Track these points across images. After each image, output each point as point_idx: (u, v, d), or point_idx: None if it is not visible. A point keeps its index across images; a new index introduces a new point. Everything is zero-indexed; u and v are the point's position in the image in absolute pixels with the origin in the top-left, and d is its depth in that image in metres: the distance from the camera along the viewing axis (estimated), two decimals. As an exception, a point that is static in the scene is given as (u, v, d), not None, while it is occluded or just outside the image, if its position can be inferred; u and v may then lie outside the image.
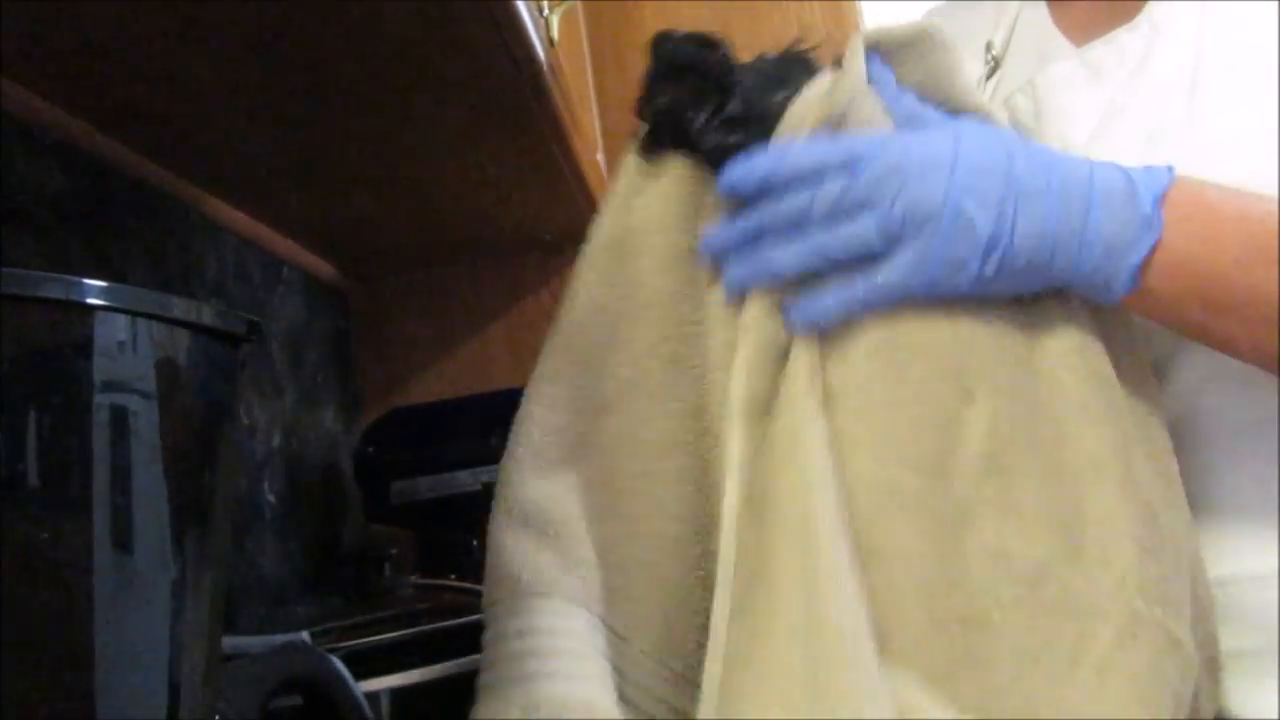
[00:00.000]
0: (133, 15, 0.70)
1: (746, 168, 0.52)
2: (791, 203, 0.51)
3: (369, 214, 1.23)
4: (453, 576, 1.11)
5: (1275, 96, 0.57)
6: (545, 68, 0.90)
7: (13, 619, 0.34)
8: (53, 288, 0.35)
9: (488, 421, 1.22)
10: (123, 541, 0.37)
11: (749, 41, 1.66)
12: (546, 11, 0.95)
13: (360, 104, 0.90)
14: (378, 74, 0.85)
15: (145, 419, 0.38)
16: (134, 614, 0.38)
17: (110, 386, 0.37)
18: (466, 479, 1.20)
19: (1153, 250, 0.49)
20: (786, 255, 0.51)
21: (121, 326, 0.37)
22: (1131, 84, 0.63)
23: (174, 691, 0.39)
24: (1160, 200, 0.50)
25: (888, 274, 0.49)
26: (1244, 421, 0.57)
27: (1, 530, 0.34)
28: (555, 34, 0.97)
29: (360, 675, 0.58)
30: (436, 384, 1.47)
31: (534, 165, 1.13)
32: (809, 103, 0.54)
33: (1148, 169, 0.51)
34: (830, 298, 0.50)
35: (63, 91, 0.80)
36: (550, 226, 1.40)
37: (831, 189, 0.50)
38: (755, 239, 0.52)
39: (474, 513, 1.23)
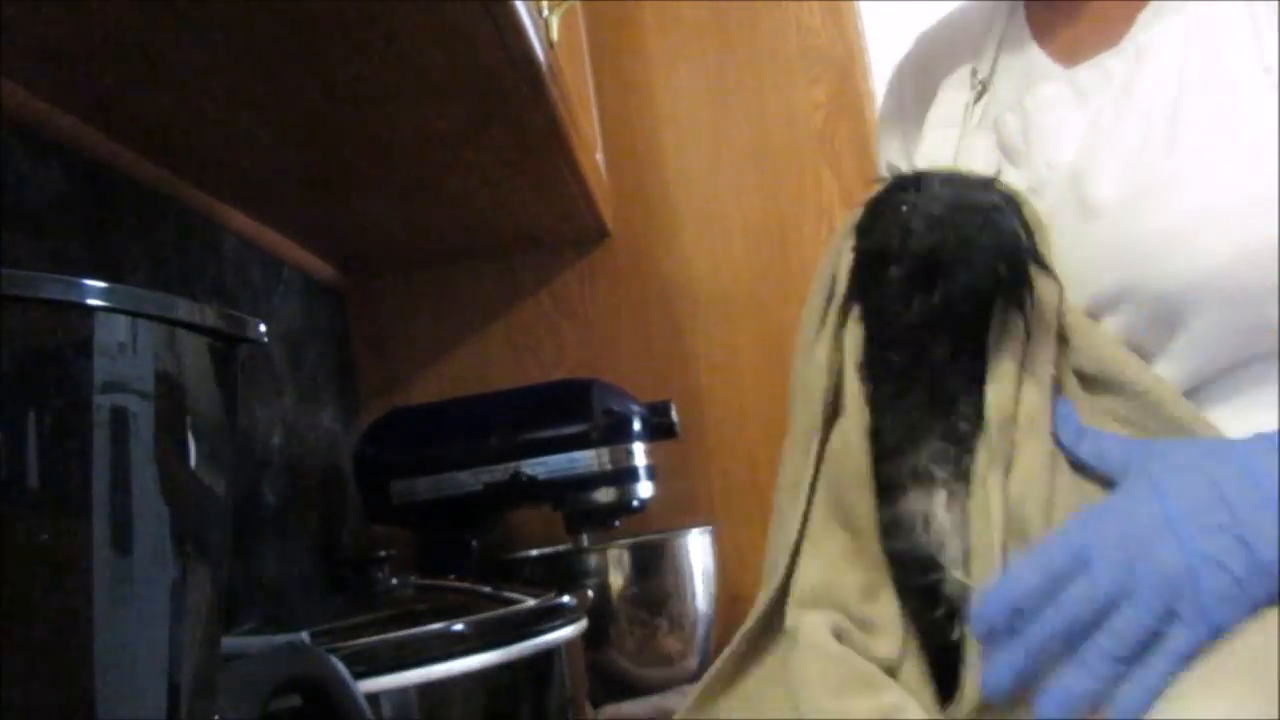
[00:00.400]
0: (132, 16, 0.70)
1: (991, 607, 0.52)
2: (1051, 625, 0.50)
3: (369, 215, 1.23)
4: (452, 577, 1.11)
5: (1253, 121, 0.58)
6: (545, 69, 0.90)
7: (12, 620, 0.34)
8: (52, 288, 0.35)
9: (487, 422, 1.22)
10: (122, 542, 0.37)
11: (748, 42, 1.67)
12: (546, 12, 0.95)
13: (360, 105, 0.91)
14: (377, 75, 0.85)
15: (145, 420, 0.38)
16: (133, 615, 0.38)
17: (110, 387, 0.37)
18: (466, 479, 1.20)
19: None
20: (1083, 678, 0.50)
21: (121, 327, 0.37)
22: (1116, 106, 0.64)
23: (173, 692, 0.39)
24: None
25: (1179, 644, 0.49)
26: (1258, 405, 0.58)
27: (1, 531, 0.34)
28: (554, 35, 0.97)
29: (360, 676, 0.58)
30: (436, 384, 1.47)
31: (533, 166, 1.13)
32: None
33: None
34: (1139, 687, 0.50)
35: (63, 92, 0.80)
36: (549, 227, 1.40)
37: (1080, 597, 0.50)
38: (1030, 668, 0.51)
39: (474, 513, 1.24)
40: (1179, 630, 0.49)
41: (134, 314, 0.37)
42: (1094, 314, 0.62)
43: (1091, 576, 0.50)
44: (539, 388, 1.37)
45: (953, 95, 0.77)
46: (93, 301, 0.36)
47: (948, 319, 0.54)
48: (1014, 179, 0.66)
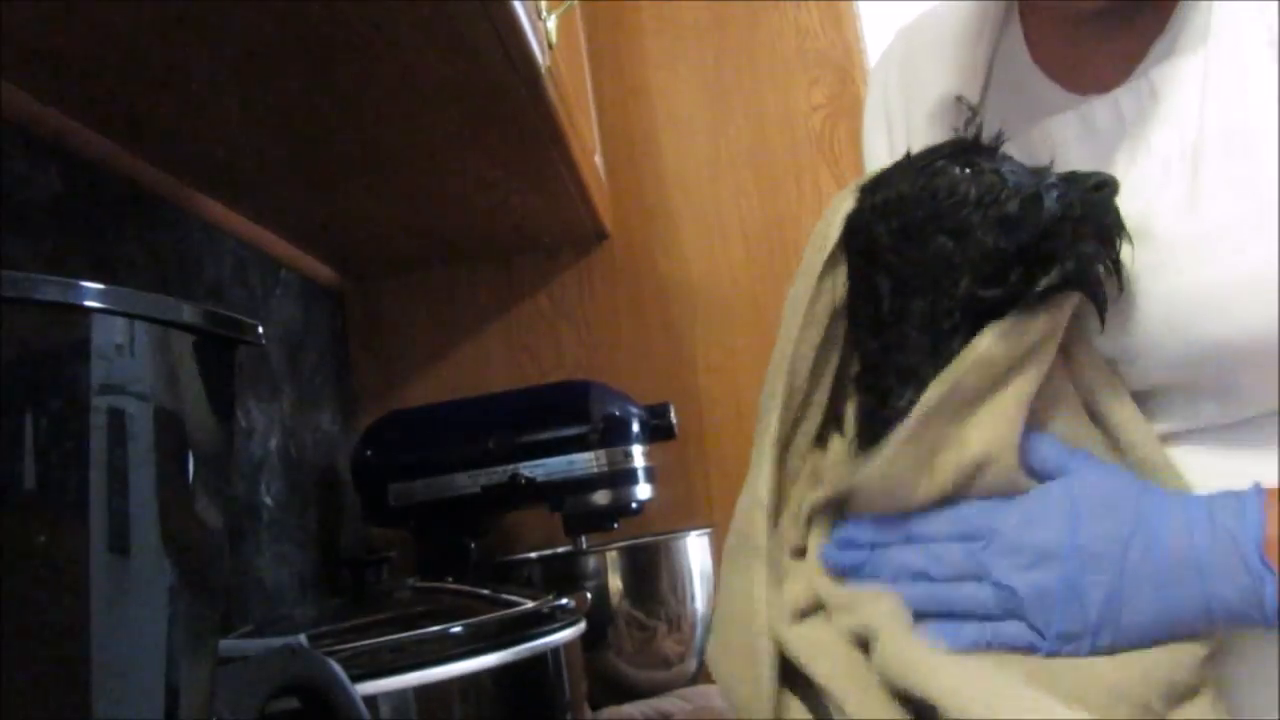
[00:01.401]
0: (130, 18, 0.70)
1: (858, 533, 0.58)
2: (918, 557, 0.56)
3: (367, 216, 1.23)
4: (451, 579, 1.11)
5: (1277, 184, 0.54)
6: (543, 70, 0.90)
7: (9, 622, 0.34)
8: (50, 290, 0.35)
9: (486, 424, 1.22)
10: (119, 544, 0.37)
11: (747, 44, 1.67)
12: (544, 14, 0.95)
13: (358, 106, 0.90)
14: (376, 77, 0.85)
15: (142, 421, 0.38)
16: (131, 617, 0.37)
17: (107, 389, 0.36)
18: (464, 481, 1.20)
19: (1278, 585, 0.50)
20: (911, 594, 0.56)
21: (119, 329, 0.37)
22: (1130, 152, 0.61)
23: (171, 694, 0.39)
24: (1261, 546, 0.50)
25: (1005, 632, 0.53)
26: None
27: (-2, 533, 0.34)
28: (553, 37, 0.97)
29: (358, 678, 0.58)
30: (434, 386, 1.47)
31: (532, 167, 1.13)
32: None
33: (1238, 512, 0.52)
34: (958, 633, 0.54)
35: (61, 94, 0.80)
36: (548, 228, 1.40)
37: (955, 551, 0.55)
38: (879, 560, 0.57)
39: (472, 515, 1.24)
40: (1011, 624, 0.53)
41: (131, 316, 0.37)
42: (1109, 366, 0.60)
43: (972, 546, 0.54)
44: (537, 390, 1.37)
45: (937, 130, 0.72)
46: (90, 303, 0.36)
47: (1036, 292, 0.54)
48: None
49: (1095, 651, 0.52)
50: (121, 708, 0.37)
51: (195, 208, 1.04)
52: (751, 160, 1.52)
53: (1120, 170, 0.60)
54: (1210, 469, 0.57)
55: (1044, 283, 0.53)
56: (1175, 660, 0.51)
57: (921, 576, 0.55)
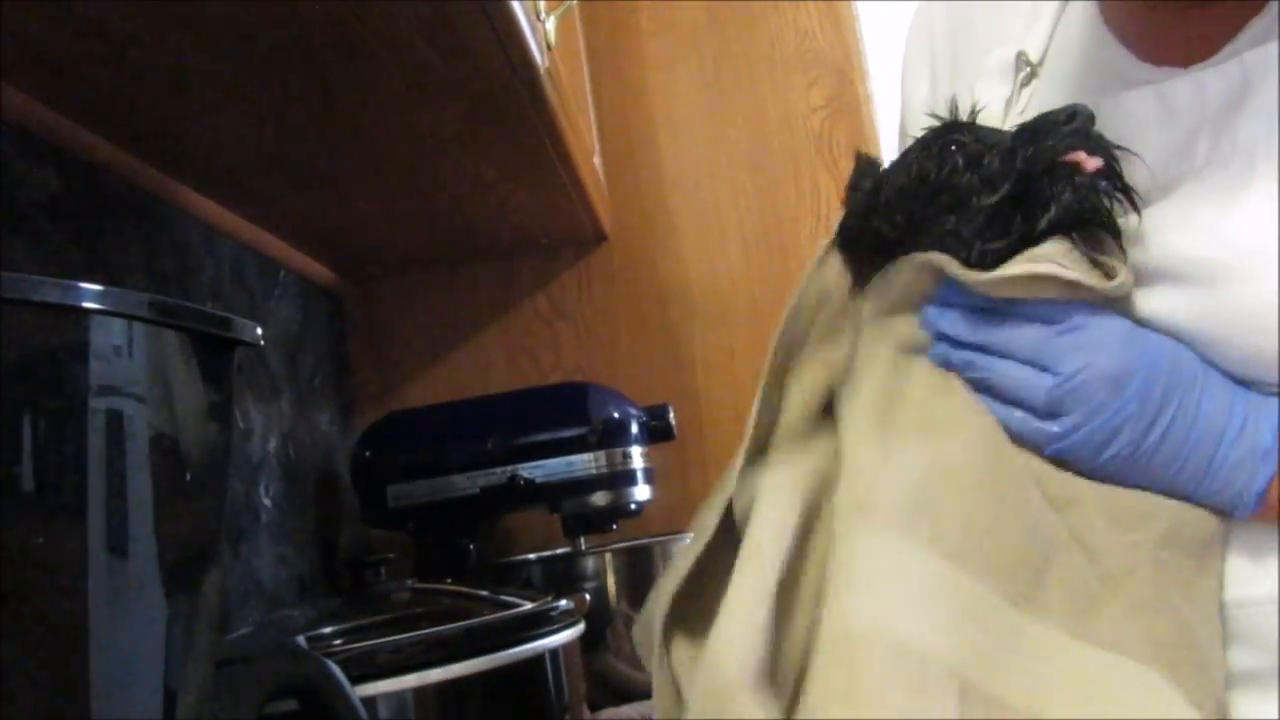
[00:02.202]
0: (129, 19, 0.70)
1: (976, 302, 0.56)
2: (997, 334, 0.55)
3: (366, 217, 1.23)
4: (449, 581, 1.11)
5: None
6: (542, 71, 0.90)
7: (8, 622, 0.34)
8: (48, 291, 0.35)
9: (485, 425, 1.22)
10: (118, 545, 0.37)
11: (746, 44, 1.67)
12: (543, 15, 0.95)
13: (357, 108, 0.90)
14: (375, 78, 0.85)
15: (140, 423, 0.38)
16: (129, 618, 0.37)
17: (106, 390, 0.36)
18: (463, 483, 1.20)
19: (1270, 479, 0.52)
20: (972, 365, 0.56)
21: (117, 330, 0.37)
22: (1213, 139, 0.56)
23: (169, 696, 0.39)
24: (1276, 431, 0.52)
25: (1050, 427, 0.53)
26: None
27: (-4, 535, 0.34)
28: (552, 38, 0.97)
29: (357, 680, 0.58)
30: (433, 387, 1.47)
31: (531, 168, 1.13)
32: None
33: (1266, 399, 0.53)
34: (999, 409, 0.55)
35: (59, 95, 0.80)
36: (547, 229, 1.40)
37: (1032, 337, 0.54)
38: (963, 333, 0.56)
39: (471, 516, 1.23)
40: (1060, 419, 0.53)
41: (130, 317, 0.37)
42: None
43: (1051, 334, 0.54)
44: (536, 391, 1.37)
45: (995, 87, 0.67)
46: (88, 305, 0.36)
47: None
48: None
49: (1106, 466, 0.53)
50: (120, 708, 0.37)
51: (194, 209, 1.04)
52: (750, 161, 1.52)
53: (1199, 162, 0.57)
54: None
55: (1045, 220, 0.54)
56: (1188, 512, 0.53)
57: (982, 349, 0.55)
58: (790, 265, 1.48)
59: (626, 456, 1.20)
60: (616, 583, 1.20)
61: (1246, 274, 0.53)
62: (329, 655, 0.58)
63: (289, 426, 1.21)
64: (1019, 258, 0.53)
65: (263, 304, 1.20)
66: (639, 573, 1.21)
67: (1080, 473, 0.54)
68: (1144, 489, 0.54)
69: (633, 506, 1.21)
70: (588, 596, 0.90)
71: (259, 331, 0.44)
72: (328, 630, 0.75)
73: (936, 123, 0.59)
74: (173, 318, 0.39)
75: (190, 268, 1.03)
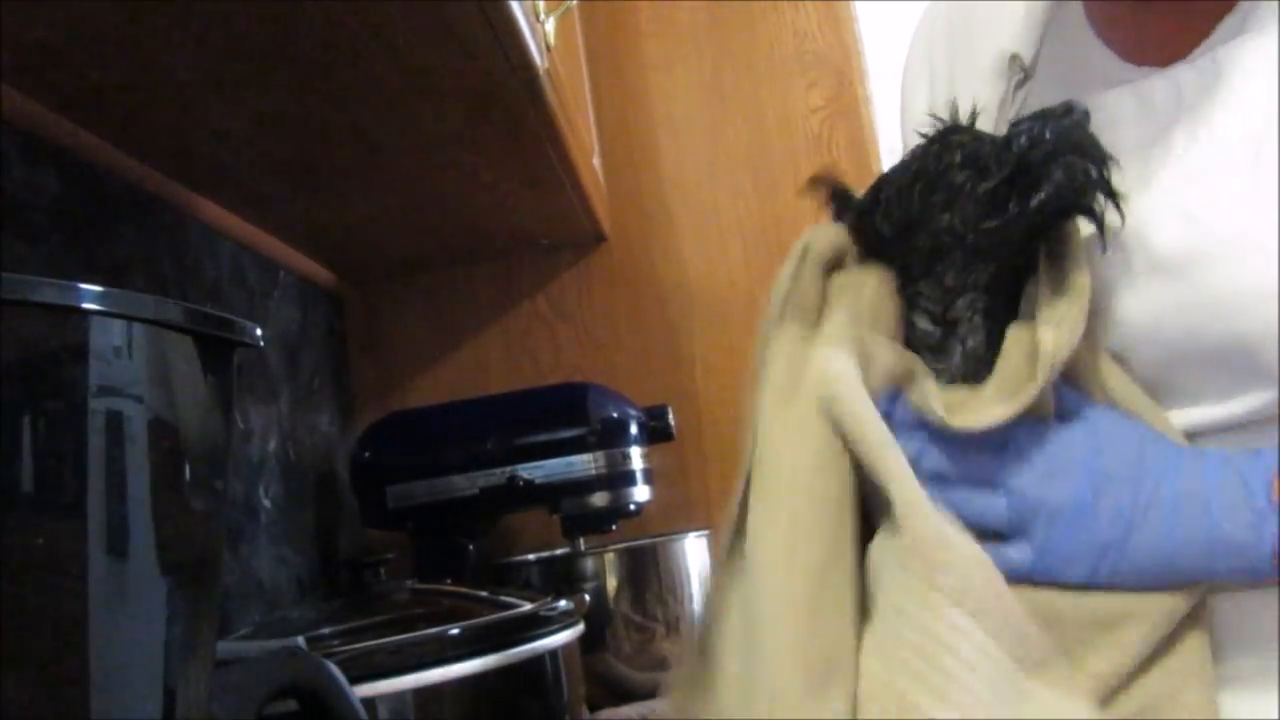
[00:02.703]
0: (129, 20, 0.70)
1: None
2: (939, 458, 0.54)
3: (365, 218, 1.23)
4: (449, 581, 1.11)
5: None
6: (542, 72, 0.90)
7: (7, 624, 0.34)
8: (48, 292, 0.35)
9: (484, 426, 1.22)
10: (117, 547, 0.37)
11: (745, 44, 1.67)
12: (543, 16, 0.95)
13: (357, 108, 0.91)
14: (374, 78, 0.85)
15: (140, 424, 0.38)
16: (128, 619, 0.37)
17: (105, 391, 0.37)
18: (462, 483, 1.20)
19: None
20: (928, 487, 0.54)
21: (117, 331, 0.37)
22: (1189, 133, 0.58)
23: (169, 697, 0.39)
24: (1270, 486, 0.51)
25: (1007, 556, 0.53)
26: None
27: (-4, 535, 0.34)
28: (551, 39, 0.97)
29: (356, 680, 0.58)
30: (433, 388, 1.47)
31: (530, 169, 1.13)
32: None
33: (1252, 457, 0.52)
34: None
35: (59, 96, 0.80)
36: (546, 230, 1.40)
37: (980, 463, 0.54)
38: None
39: (470, 517, 1.23)
40: (1019, 544, 0.53)
41: (130, 318, 0.37)
42: (1164, 362, 0.58)
43: (999, 457, 0.53)
44: (536, 391, 1.37)
45: (989, 89, 0.68)
46: (88, 306, 0.36)
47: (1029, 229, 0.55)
48: None
49: (1092, 584, 0.52)
50: (119, 709, 0.37)
51: (193, 210, 1.04)
52: (750, 162, 1.52)
53: (1177, 153, 0.58)
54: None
55: (1036, 199, 0.54)
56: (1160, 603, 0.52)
57: (938, 479, 0.54)
58: (789, 266, 1.48)
59: (626, 457, 1.20)
60: (616, 583, 1.20)
61: (1224, 259, 0.54)
62: (328, 656, 0.58)
63: (288, 427, 1.21)
64: (993, 394, 0.54)
65: (262, 305, 1.20)
66: (638, 573, 1.21)
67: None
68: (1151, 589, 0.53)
69: (632, 507, 1.21)
70: (587, 597, 0.90)
71: (258, 332, 0.44)
72: (327, 631, 0.75)
73: (937, 124, 0.59)
74: (172, 319, 0.39)
75: (190, 269, 1.03)
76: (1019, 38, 0.68)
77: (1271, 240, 0.53)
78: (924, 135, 0.59)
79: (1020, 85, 0.67)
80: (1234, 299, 0.54)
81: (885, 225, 0.59)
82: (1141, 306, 0.57)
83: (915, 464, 0.54)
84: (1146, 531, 0.51)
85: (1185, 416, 0.58)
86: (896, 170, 0.60)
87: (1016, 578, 0.52)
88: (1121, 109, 0.61)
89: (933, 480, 0.54)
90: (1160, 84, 0.60)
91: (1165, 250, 0.56)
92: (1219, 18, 0.59)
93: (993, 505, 0.53)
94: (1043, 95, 0.65)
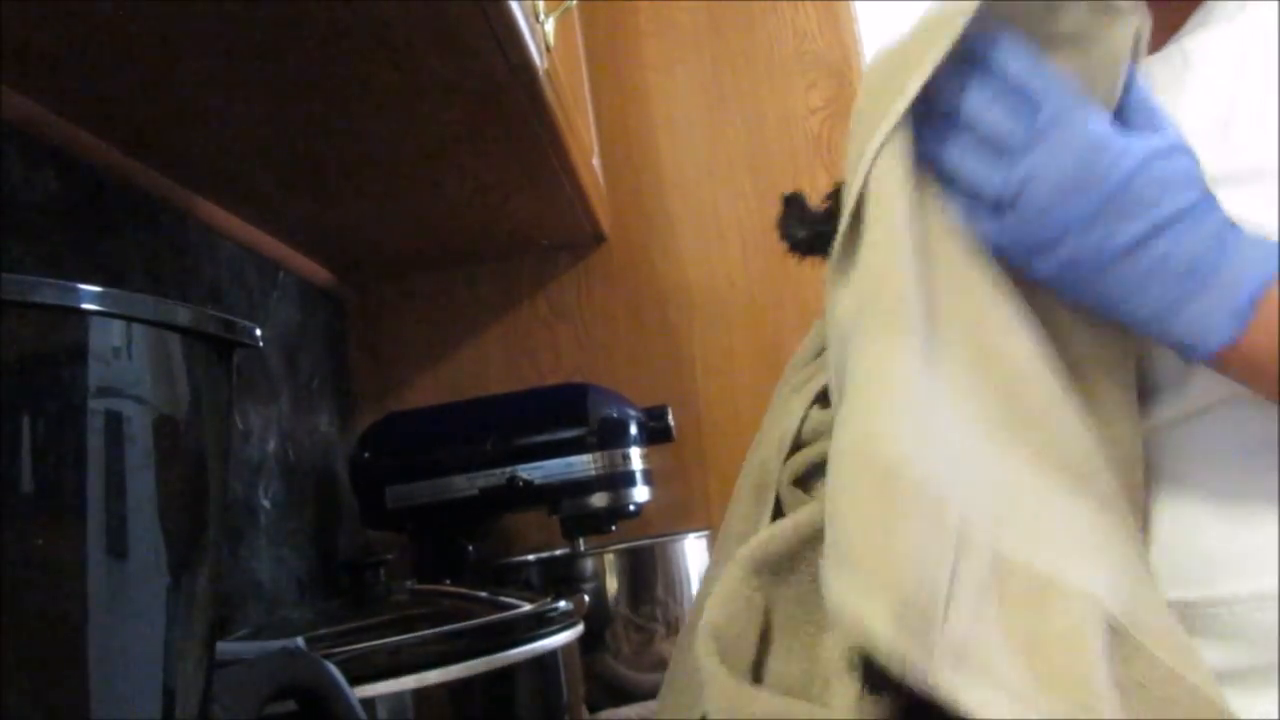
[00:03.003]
0: (128, 20, 0.70)
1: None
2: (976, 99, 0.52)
3: (365, 219, 1.23)
4: (448, 582, 1.11)
5: None
6: (541, 73, 0.90)
7: (6, 625, 0.34)
8: (47, 292, 0.35)
9: (484, 426, 1.22)
10: (117, 547, 0.37)
11: (745, 45, 1.67)
12: (543, 16, 0.95)
13: (356, 109, 0.91)
14: (374, 80, 0.85)
15: (139, 424, 0.38)
16: (128, 620, 0.37)
17: (105, 392, 0.36)
18: (462, 484, 1.20)
19: (1265, 288, 0.49)
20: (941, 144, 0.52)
21: (116, 332, 0.37)
22: (1172, 103, 0.60)
23: (168, 697, 0.39)
24: (1262, 289, 0.49)
25: (989, 224, 0.51)
26: (1256, 440, 0.56)
27: (-5, 536, 0.34)
28: (551, 40, 0.97)
29: (356, 681, 0.58)
30: (432, 389, 1.47)
31: (530, 170, 1.13)
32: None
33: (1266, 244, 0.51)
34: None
35: (59, 97, 0.80)
36: (546, 231, 1.40)
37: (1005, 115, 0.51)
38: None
39: (470, 518, 1.24)
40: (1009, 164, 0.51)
41: (129, 319, 0.37)
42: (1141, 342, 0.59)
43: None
44: (535, 392, 1.37)
45: None
46: (88, 306, 0.36)
47: None
48: None
49: (1051, 275, 0.51)
50: (119, 710, 0.37)
51: (193, 210, 1.04)
52: (749, 162, 1.52)
53: None
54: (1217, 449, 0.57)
55: None
56: None
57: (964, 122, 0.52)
58: (788, 266, 1.47)
59: (625, 458, 1.20)
60: (615, 584, 1.20)
61: None
62: (328, 656, 0.58)
63: (288, 428, 1.21)
64: None
65: (262, 305, 1.20)
66: (638, 574, 1.21)
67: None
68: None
69: (632, 508, 1.21)
70: (587, 598, 0.89)
71: (258, 333, 0.44)
72: (326, 631, 0.75)
73: None
74: (172, 319, 0.39)
75: (189, 269, 1.03)
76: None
77: (1237, 219, 0.53)
78: None
79: None
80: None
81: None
82: None
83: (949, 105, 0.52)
84: (1121, 244, 0.50)
85: (1162, 408, 0.58)
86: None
87: (987, 245, 0.52)
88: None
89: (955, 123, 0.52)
90: (1134, 77, 0.62)
91: None
92: (1188, 13, 0.62)
93: (989, 174, 0.51)
94: None
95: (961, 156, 0.52)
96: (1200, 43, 0.61)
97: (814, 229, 0.61)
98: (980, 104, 0.52)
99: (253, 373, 1.14)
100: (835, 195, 0.60)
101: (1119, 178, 0.50)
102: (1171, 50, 0.62)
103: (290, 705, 0.54)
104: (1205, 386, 0.57)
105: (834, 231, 0.57)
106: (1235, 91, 0.58)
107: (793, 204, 0.65)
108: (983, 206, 0.52)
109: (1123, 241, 0.50)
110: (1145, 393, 0.58)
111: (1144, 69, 0.61)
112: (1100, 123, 0.52)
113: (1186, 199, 0.51)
